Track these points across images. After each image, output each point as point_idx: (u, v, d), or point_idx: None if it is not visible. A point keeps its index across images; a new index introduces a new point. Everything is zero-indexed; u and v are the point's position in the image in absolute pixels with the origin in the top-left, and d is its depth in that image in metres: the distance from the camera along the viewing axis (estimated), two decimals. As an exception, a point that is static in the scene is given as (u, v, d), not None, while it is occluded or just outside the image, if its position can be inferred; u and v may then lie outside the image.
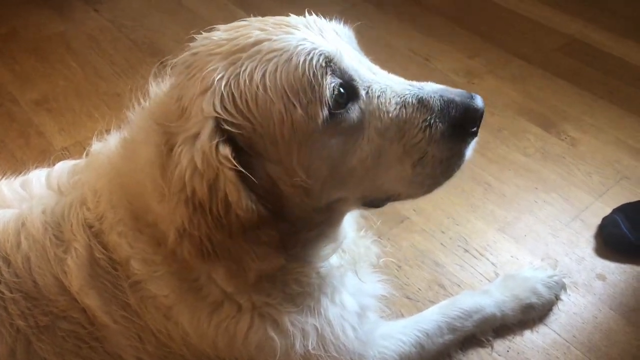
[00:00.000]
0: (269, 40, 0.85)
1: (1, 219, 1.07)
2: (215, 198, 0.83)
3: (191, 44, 0.94)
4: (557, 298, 1.55)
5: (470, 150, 0.94)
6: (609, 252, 1.69)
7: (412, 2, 2.97)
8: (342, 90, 0.85)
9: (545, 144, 2.10)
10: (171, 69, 0.96)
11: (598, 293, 1.59)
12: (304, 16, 0.94)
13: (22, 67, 2.48)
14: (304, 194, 0.90)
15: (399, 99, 0.90)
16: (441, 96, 0.90)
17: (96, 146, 1.16)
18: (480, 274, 1.66)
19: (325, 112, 0.83)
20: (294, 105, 0.82)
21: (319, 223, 1.00)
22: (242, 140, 0.85)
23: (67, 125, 2.18)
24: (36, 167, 1.23)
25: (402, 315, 1.51)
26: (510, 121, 2.21)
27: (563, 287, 1.57)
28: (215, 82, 0.84)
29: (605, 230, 1.73)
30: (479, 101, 0.91)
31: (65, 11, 2.85)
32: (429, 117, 0.89)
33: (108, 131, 1.19)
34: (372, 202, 1.00)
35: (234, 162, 0.81)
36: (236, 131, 0.84)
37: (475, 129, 0.92)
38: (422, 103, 0.90)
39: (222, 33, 0.92)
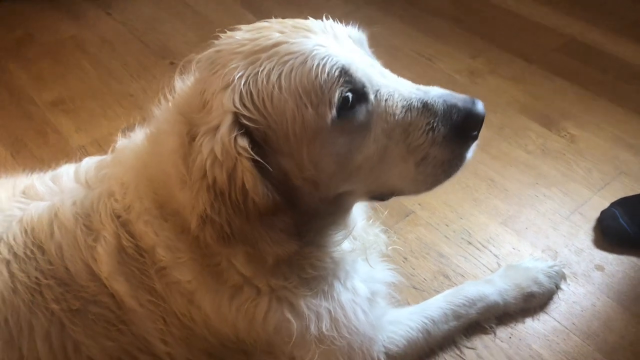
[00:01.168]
0: (287, 42, 0.91)
1: (36, 210, 1.14)
2: (234, 185, 0.89)
3: (216, 42, 1.01)
4: (557, 287, 1.62)
5: (471, 153, 0.99)
6: (607, 244, 1.76)
7: (414, 4, 3.04)
8: (351, 94, 0.91)
9: (545, 140, 2.17)
10: (196, 64, 1.02)
11: (597, 283, 1.66)
12: (321, 19, 1.00)
13: (38, 70, 2.56)
14: (313, 186, 0.97)
15: (405, 103, 0.94)
16: (445, 101, 0.95)
17: (121, 142, 1.23)
18: (484, 265, 1.72)
19: (334, 112, 0.89)
20: (306, 105, 0.88)
21: (329, 213, 1.06)
22: (257, 135, 0.91)
23: (83, 125, 2.26)
24: (59, 164, 1.31)
25: (409, 304, 1.56)
26: (512, 119, 2.27)
27: (563, 277, 1.64)
28: (235, 80, 0.90)
29: (603, 223, 1.79)
30: (480, 107, 0.95)
31: (79, 15, 2.93)
32: (432, 121, 0.94)
33: (129, 128, 1.26)
34: (378, 196, 1.06)
35: (251, 152, 0.88)
36: (253, 125, 0.90)
37: (475, 133, 0.97)
38: (426, 107, 0.94)
39: (244, 33, 0.98)
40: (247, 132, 0.90)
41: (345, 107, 0.90)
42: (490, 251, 1.77)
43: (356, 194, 1.05)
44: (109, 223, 1.10)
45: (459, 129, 0.94)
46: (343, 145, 0.93)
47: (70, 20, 2.89)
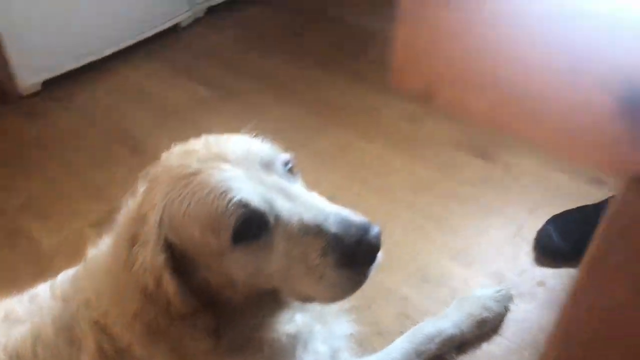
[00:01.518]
0: (200, 174, 1.06)
1: (18, 333, 1.24)
2: (161, 292, 1.06)
3: (162, 158, 1.17)
4: (507, 309, 1.78)
5: (373, 271, 1.03)
6: (545, 261, 1.94)
7: (354, 60, 3.26)
8: (250, 223, 1.03)
9: (484, 172, 2.37)
10: (146, 177, 1.19)
11: (540, 298, 1.84)
12: (248, 134, 1.17)
13: (2, 176, 2.63)
14: (232, 291, 1.12)
15: (302, 226, 1.02)
16: (339, 226, 1.00)
17: (91, 252, 1.36)
18: (440, 300, 1.88)
19: (231, 239, 1.03)
20: (209, 231, 1.04)
21: (266, 302, 1.17)
22: (176, 251, 1.08)
23: (54, 225, 2.33)
24: (32, 270, 1.42)
25: (375, 351, 1.70)
26: (451, 156, 2.47)
27: (510, 298, 1.80)
28: (158, 203, 1.08)
29: (539, 242, 1.98)
30: (372, 235, 0.99)
31: (38, 115, 3.03)
32: (325, 245, 1.00)
33: (99, 222, 1.39)
34: (302, 300, 1.15)
35: (169, 268, 1.05)
36: (173, 243, 1.07)
37: (370, 258, 1.01)
38: (321, 231, 1.01)
39: (177, 155, 1.14)
40: (170, 247, 1.07)
41: (247, 232, 1.03)
42: (445, 285, 1.93)
43: (282, 293, 1.16)
44: (88, 331, 1.20)
45: (351, 255, 0.99)
46: (248, 263, 1.07)
47: (31, 122, 2.99)
